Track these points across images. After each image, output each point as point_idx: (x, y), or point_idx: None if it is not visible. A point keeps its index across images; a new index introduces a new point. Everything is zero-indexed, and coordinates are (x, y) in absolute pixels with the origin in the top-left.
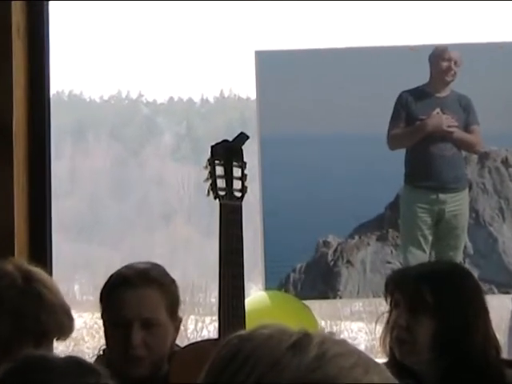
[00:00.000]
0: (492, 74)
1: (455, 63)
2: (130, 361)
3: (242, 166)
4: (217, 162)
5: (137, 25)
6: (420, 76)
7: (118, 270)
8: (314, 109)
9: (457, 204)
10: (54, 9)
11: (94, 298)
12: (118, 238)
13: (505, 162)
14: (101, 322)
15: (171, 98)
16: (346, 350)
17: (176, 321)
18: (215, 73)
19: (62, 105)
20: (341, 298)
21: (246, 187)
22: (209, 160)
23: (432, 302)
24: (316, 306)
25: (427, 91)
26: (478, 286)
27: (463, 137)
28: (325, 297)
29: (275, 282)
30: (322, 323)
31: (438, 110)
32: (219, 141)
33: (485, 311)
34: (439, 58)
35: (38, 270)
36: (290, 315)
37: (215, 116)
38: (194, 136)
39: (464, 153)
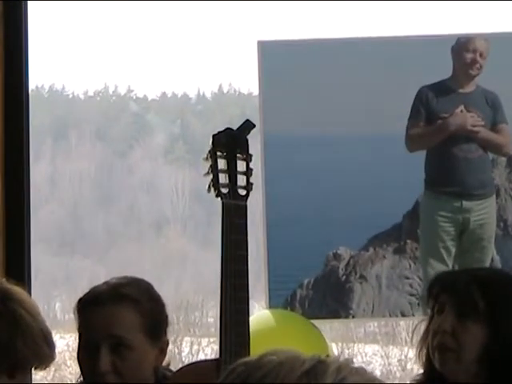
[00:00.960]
0: None
1: (481, 55)
2: None
3: (247, 158)
4: (219, 153)
5: (125, 13)
6: (442, 69)
7: (94, 286)
8: (322, 106)
9: (483, 212)
10: None
11: None
12: (104, 250)
13: None
14: None
15: (164, 94)
16: (365, 379)
17: (159, 343)
18: (213, 65)
19: (41, 101)
20: (353, 317)
21: (252, 184)
22: (210, 151)
23: (484, 308)
24: (326, 327)
25: (450, 86)
26: None
27: (490, 137)
28: (335, 316)
29: (280, 299)
30: (333, 346)
31: (461, 107)
32: (222, 129)
33: None
34: (463, 50)
35: (16, 289)
36: (296, 337)
37: (213, 114)
38: (189, 136)
39: (491, 155)
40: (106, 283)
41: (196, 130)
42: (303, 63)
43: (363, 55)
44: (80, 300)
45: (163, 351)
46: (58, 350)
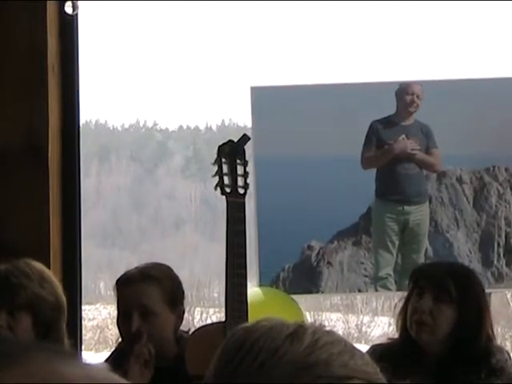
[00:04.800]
0: (448, 106)
1: (417, 97)
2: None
3: (245, 164)
4: (223, 160)
5: (152, 66)
6: (388, 107)
7: (126, 270)
8: (300, 136)
9: (419, 214)
10: (83, 50)
11: None
12: (136, 243)
13: (459, 179)
14: None
15: (181, 126)
16: (334, 338)
17: (176, 311)
18: (218, 105)
19: (89, 132)
20: (322, 292)
21: (248, 184)
22: (216, 159)
23: (456, 295)
24: (301, 300)
25: (394, 120)
26: (484, 289)
27: (424, 158)
28: (309, 292)
29: (268, 279)
30: (307, 314)
31: (403, 136)
32: (225, 141)
33: (489, 310)
34: (404, 93)
35: (26, 261)
36: (280, 307)
37: (217, 141)
38: (199, 158)
39: (425, 172)
40: (136, 268)
41: (205, 153)
42: (286, 103)
43: (332, 97)
44: (117, 281)
45: (180, 317)
46: (101, 317)
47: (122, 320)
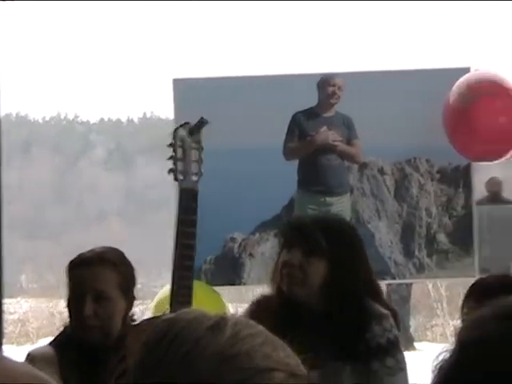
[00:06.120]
0: (370, 98)
1: (339, 88)
2: (83, 329)
3: (199, 149)
4: (178, 143)
5: (73, 58)
6: (310, 99)
7: (81, 253)
8: (223, 127)
9: (341, 205)
10: (3, 44)
11: (38, 286)
12: (58, 236)
13: (380, 170)
14: (42, 306)
15: (102, 119)
16: (256, 330)
17: (128, 298)
18: (139, 98)
19: (10, 125)
20: (245, 284)
21: (202, 171)
22: (172, 142)
23: (326, 248)
24: (224, 292)
25: (316, 112)
26: (361, 239)
27: (346, 149)
28: (231, 283)
29: None
30: (229, 306)
31: (325, 127)
32: (182, 123)
33: (367, 259)
34: (326, 84)
35: None
36: (202, 299)
37: (139, 133)
38: (121, 150)
39: (346, 162)
40: (91, 251)
41: (127, 145)
42: (208, 95)
43: (255, 89)
44: (71, 262)
45: (130, 304)
46: (22, 310)
47: (74, 303)
